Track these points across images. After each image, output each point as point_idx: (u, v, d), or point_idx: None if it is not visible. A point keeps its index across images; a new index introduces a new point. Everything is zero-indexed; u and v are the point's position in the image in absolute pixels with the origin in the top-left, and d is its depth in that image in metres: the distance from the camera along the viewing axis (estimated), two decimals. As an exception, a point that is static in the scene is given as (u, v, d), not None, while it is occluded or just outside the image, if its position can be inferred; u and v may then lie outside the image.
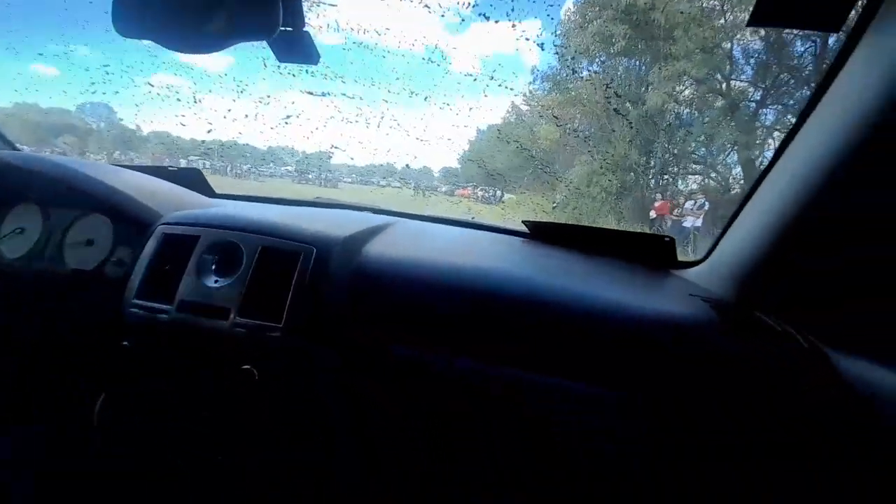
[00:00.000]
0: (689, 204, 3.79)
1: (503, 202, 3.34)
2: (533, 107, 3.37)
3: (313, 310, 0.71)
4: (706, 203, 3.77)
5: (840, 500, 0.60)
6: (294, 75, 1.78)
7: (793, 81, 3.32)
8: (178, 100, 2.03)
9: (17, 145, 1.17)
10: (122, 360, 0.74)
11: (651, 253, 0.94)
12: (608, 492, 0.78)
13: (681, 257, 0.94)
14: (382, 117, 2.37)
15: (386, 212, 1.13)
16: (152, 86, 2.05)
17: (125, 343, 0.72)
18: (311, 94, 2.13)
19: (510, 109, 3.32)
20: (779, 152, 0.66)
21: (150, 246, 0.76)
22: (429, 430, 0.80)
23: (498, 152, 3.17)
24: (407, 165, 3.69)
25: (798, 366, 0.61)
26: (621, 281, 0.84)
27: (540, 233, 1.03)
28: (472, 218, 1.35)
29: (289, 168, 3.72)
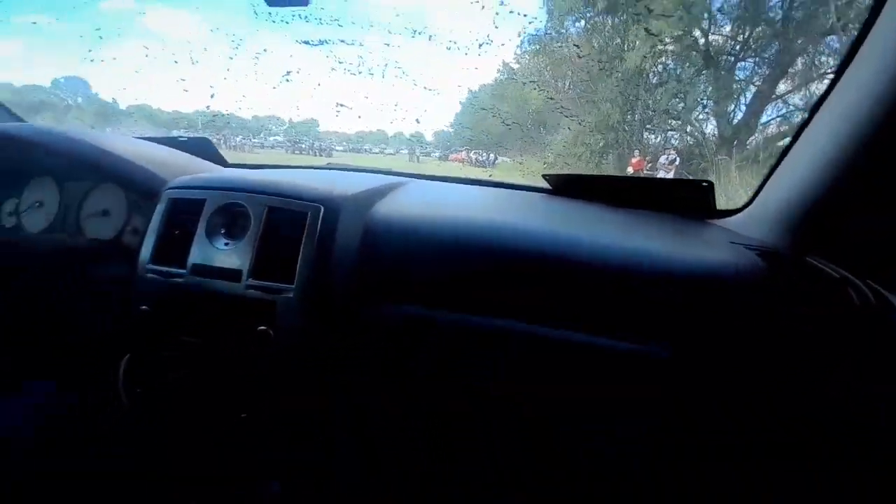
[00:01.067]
0: (662, 159, 4.00)
1: (496, 165, 3.44)
2: (524, 65, 3.42)
3: (323, 270, 0.70)
4: (676, 157, 4.00)
5: None
6: (287, 23, 1.65)
7: (769, 33, 3.52)
8: (176, 62, 1.92)
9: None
10: (143, 324, 0.75)
11: (686, 201, 0.87)
12: (641, 460, 0.73)
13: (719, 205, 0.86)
14: (386, 64, 2.18)
15: (398, 173, 1.10)
16: (147, 48, 1.94)
17: (144, 308, 0.73)
18: (307, 43, 1.98)
19: (501, 68, 3.36)
20: (829, 90, 0.60)
21: (159, 211, 0.76)
22: (443, 392, 0.78)
23: (491, 116, 3.24)
24: (400, 132, 3.69)
25: (859, 314, 0.54)
26: (655, 231, 0.78)
27: (562, 187, 0.97)
28: (490, 176, 1.30)
29: (278, 138, 3.64)
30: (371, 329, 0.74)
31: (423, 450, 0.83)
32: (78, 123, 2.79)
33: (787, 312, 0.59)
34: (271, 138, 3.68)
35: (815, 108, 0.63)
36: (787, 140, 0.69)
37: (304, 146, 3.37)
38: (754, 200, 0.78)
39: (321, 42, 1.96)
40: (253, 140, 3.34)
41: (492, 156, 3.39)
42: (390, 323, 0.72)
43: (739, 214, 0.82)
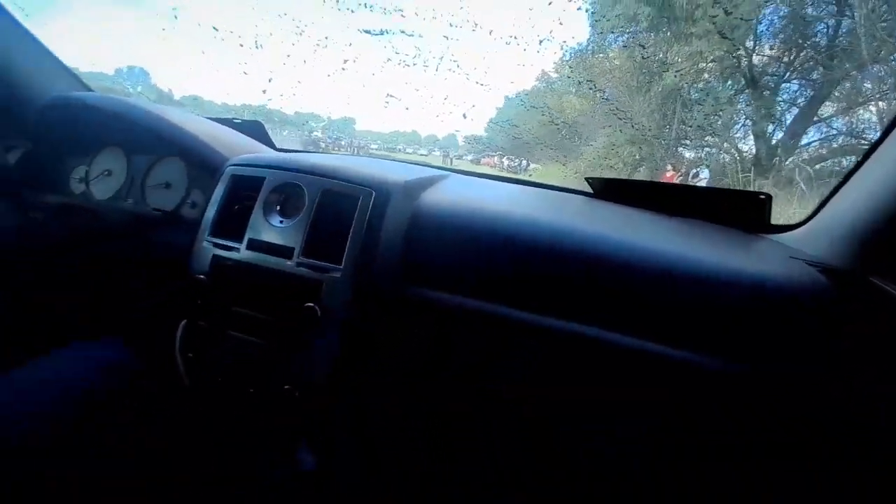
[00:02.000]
0: (694, 172, 3.95)
1: (529, 172, 3.47)
2: (562, 75, 3.45)
3: (371, 253, 0.71)
4: (708, 172, 3.94)
5: None
6: (352, 11, 1.65)
7: (812, 56, 3.47)
8: (241, 45, 1.97)
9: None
10: (199, 293, 0.77)
11: (740, 213, 0.83)
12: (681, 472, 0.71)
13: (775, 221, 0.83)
14: (442, 57, 2.09)
15: (442, 168, 1.11)
16: (217, 30, 1.99)
17: (201, 277, 0.76)
18: (368, 32, 1.93)
19: (540, 77, 3.40)
20: None
21: (221, 187, 0.78)
22: (459, 388, 0.78)
23: (524, 122, 3.28)
24: (433, 135, 3.76)
25: None
26: (705, 240, 0.76)
27: (605, 190, 0.93)
28: (530, 176, 1.41)
29: (317, 134, 3.75)
30: (413, 313, 0.74)
31: (431, 449, 0.83)
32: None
33: (848, 331, 0.57)
34: (312, 134, 3.79)
35: (889, 129, 0.62)
36: (826, 163, 0.68)
37: (343, 143, 3.46)
38: (815, 216, 0.76)
39: (382, 32, 1.94)
40: (284, 134, 3.47)
41: (524, 162, 3.42)
42: (432, 308, 0.72)
43: (798, 230, 0.80)
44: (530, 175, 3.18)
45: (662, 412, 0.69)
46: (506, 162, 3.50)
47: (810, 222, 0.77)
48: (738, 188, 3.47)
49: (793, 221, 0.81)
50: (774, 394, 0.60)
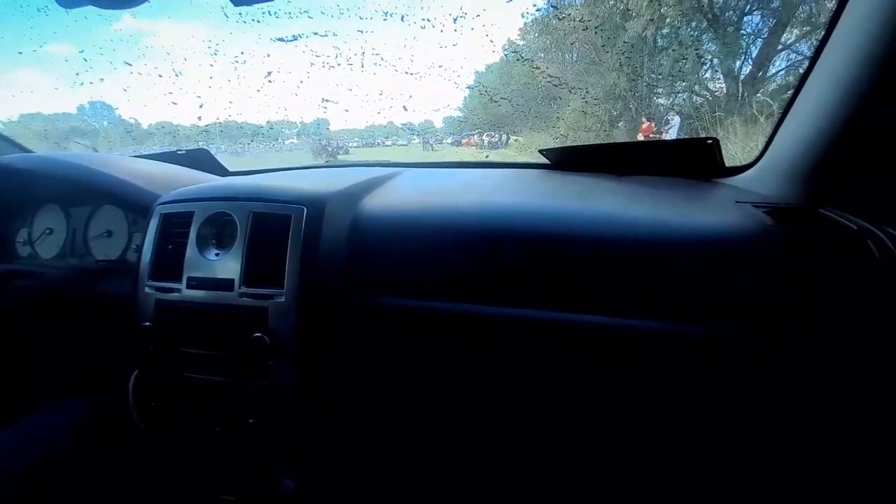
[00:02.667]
0: (664, 120, 3.97)
1: (509, 145, 3.49)
2: (528, 42, 3.43)
3: (311, 271, 0.69)
4: (679, 119, 3.98)
5: None
6: (258, 21, 1.57)
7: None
8: (160, 76, 1.94)
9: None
10: (148, 340, 0.75)
11: (693, 162, 0.82)
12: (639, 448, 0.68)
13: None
14: (363, 53, 2.03)
15: (394, 164, 1.08)
16: (130, 65, 1.95)
17: (147, 324, 0.74)
18: (281, 40, 1.88)
19: (507, 46, 3.37)
20: (827, 34, 0.57)
21: (153, 227, 0.76)
22: (441, 387, 0.75)
23: (500, 96, 3.27)
24: (409, 122, 3.73)
25: (881, 265, 0.49)
26: (660, 197, 0.74)
27: (561, 160, 0.92)
28: (486, 156, 1.36)
29: (294, 141, 3.71)
30: (370, 323, 0.72)
31: (409, 460, 0.81)
32: (106, 146, 2.89)
33: (803, 268, 0.53)
34: (287, 142, 3.75)
35: (816, 55, 0.61)
36: (792, 91, 0.66)
37: (329, 147, 3.44)
38: (764, 154, 0.74)
39: (295, 37, 1.90)
40: (268, 144, 3.42)
41: (504, 136, 3.43)
42: (389, 315, 0.70)
43: (749, 171, 0.78)
44: (508, 148, 3.19)
45: (633, 389, 0.65)
46: (486, 139, 3.51)
47: (760, 161, 0.76)
48: (703, 134, 3.53)
49: (746, 161, 0.81)
50: (735, 355, 0.56)
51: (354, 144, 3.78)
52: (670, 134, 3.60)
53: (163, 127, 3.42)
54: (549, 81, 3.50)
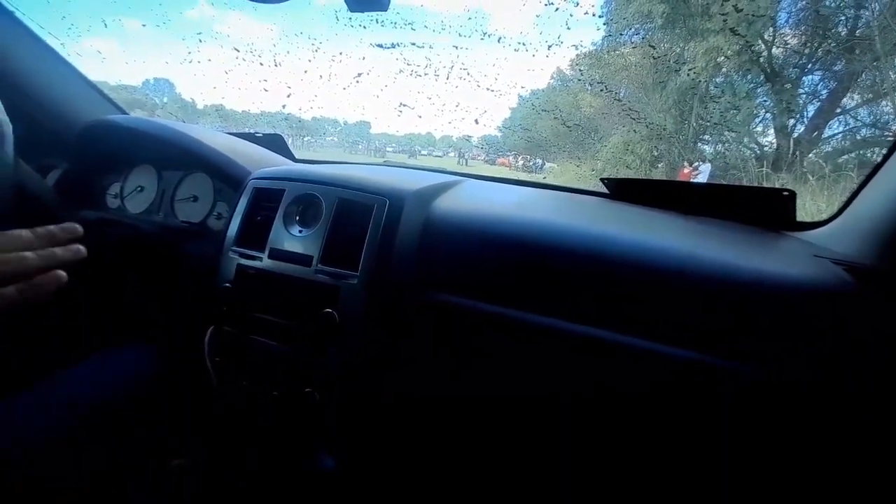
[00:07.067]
0: (695, 166, 3.83)
1: (544, 173, 3.47)
2: (578, 73, 3.44)
3: (385, 259, 0.74)
4: (708, 166, 3.83)
5: None
6: (364, 27, 1.77)
7: (833, 46, 3.35)
8: (261, 64, 2.05)
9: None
10: (225, 300, 0.81)
11: (763, 211, 0.82)
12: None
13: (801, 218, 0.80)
14: (452, 66, 2.26)
15: (456, 173, 1.11)
16: (238, 51, 2.08)
17: (227, 285, 0.81)
18: (380, 46, 2.05)
19: (555, 75, 3.39)
20: None
21: (244, 199, 0.83)
22: (488, 381, 0.78)
23: (539, 121, 3.28)
24: (448, 136, 3.79)
25: None
26: (726, 240, 0.75)
27: (622, 191, 0.93)
28: (545, 178, 1.37)
29: (333, 139, 3.82)
30: (429, 316, 0.76)
31: (448, 451, 0.83)
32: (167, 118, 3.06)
33: (879, 329, 0.54)
34: (328, 138, 3.86)
35: None
36: (850, 156, 0.68)
37: (360, 147, 3.53)
38: (842, 213, 0.74)
39: (393, 45, 2.06)
40: (306, 139, 3.54)
41: (539, 161, 3.43)
42: (448, 312, 0.74)
43: (823, 228, 0.78)
44: (545, 177, 3.17)
45: (680, 417, 0.67)
46: (520, 161, 3.52)
47: (837, 219, 0.75)
48: (757, 185, 3.39)
49: (819, 218, 0.80)
50: (794, 397, 0.58)
51: (391, 149, 3.87)
52: (699, 180, 3.52)
53: (216, 109, 3.62)
54: (595, 111, 3.50)
